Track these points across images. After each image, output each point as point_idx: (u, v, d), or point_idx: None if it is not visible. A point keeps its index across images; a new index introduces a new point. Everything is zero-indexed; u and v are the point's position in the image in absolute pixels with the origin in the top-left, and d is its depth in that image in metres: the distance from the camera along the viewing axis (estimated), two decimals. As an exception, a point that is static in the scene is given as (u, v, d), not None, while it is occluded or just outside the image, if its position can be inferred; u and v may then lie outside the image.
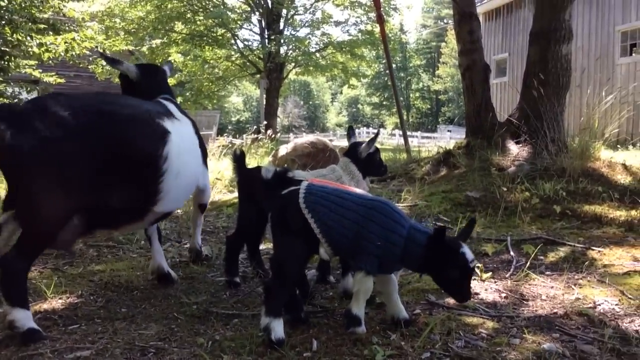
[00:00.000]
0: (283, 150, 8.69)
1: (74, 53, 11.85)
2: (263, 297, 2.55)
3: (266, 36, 22.14)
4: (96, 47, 13.29)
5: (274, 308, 2.44)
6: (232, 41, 22.57)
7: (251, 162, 9.09)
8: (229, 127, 45.93)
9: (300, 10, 23.59)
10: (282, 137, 27.16)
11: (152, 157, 2.93)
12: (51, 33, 11.26)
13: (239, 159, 3.44)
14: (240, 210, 3.59)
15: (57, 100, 2.72)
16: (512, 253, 3.95)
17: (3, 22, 9.99)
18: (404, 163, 8.50)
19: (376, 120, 67.31)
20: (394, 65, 12.12)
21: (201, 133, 3.69)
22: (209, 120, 22.06)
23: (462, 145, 7.27)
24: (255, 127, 16.86)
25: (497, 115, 7.42)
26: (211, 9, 19.99)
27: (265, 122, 17.63)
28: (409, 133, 12.97)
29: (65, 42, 11.21)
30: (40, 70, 14.21)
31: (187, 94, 22.82)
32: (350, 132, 3.69)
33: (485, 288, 3.28)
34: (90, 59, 16.80)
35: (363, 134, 45.52)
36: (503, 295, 3.16)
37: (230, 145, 11.50)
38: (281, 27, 22.98)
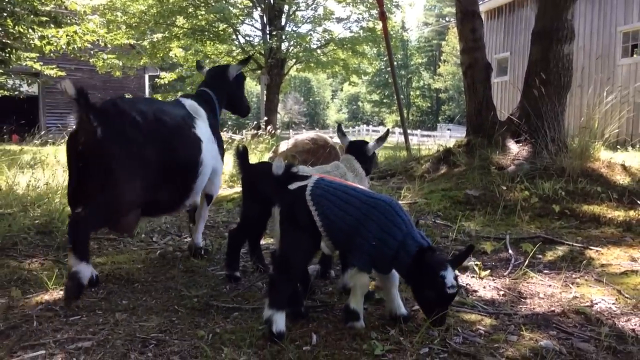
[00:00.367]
0: (284, 146, 8.70)
1: (75, 46, 11.84)
2: (267, 290, 2.57)
3: (268, 32, 22.08)
4: (97, 40, 13.29)
5: (278, 301, 2.46)
6: (234, 36, 22.49)
7: (251, 158, 9.09)
8: (229, 123, 45.83)
9: (302, 7, 23.52)
10: (282, 133, 27.20)
11: (193, 164, 3.53)
12: (53, 26, 11.26)
13: (242, 155, 3.45)
14: (243, 205, 3.64)
15: (131, 105, 3.23)
16: (510, 251, 3.98)
17: (5, 14, 9.99)
18: (404, 161, 8.53)
19: (376, 117, 67.32)
20: (395, 63, 12.11)
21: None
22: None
23: (462, 144, 7.29)
24: (255, 122, 16.86)
25: (498, 114, 7.43)
26: (213, 4, 19.90)
27: (265, 118, 17.62)
28: (409, 131, 12.96)
29: (67, 35, 11.22)
30: (41, 63, 14.19)
31: (188, 88, 22.80)
32: (340, 129, 3.73)
33: (484, 286, 3.31)
34: (92, 52, 16.79)
35: (363, 132, 45.60)
36: (501, 292, 3.18)
37: (230, 141, 11.51)
38: (283, 23, 22.92)
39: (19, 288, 3.17)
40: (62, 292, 3.11)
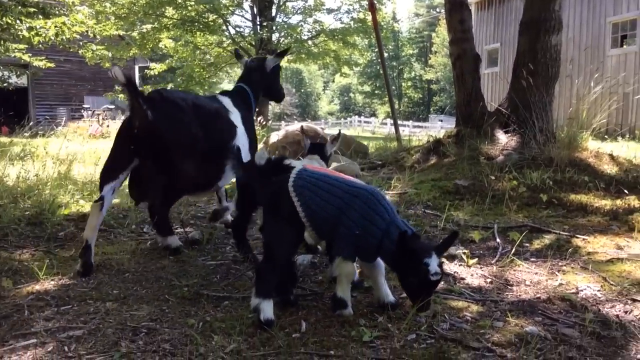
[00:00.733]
0: (274, 137, 8.71)
1: (64, 37, 11.74)
2: (254, 279, 2.60)
3: (258, 23, 21.99)
4: (86, 31, 13.16)
5: (264, 290, 2.49)
6: (224, 27, 22.38)
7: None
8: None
9: (292, -3, 23.47)
10: (273, 124, 27.12)
11: (228, 147, 3.75)
12: (41, 17, 11.15)
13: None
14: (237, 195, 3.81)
15: (173, 94, 3.71)
16: (498, 240, 4.02)
17: (-8, 5, 9.88)
18: (395, 151, 8.57)
19: (368, 109, 67.35)
20: (386, 54, 12.12)
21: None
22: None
23: (452, 135, 7.32)
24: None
25: (489, 105, 7.46)
26: (202, -6, 19.79)
27: (257, 110, 17.57)
28: (400, 122, 13.00)
29: (56, 26, 11.11)
30: (30, 55, 14.06)
31: (178, 79, 22.69)
32: (302, 130, 4.20)
33: (471, 273, 3.35)
34: (81, 43, 16.66)
35: (355, 123, 45.70)
36: (488, 280, 3.23)
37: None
38: (273, 14, 22.83)
39: (10, 278, 3.18)
40: (52, 282, 3.13)
